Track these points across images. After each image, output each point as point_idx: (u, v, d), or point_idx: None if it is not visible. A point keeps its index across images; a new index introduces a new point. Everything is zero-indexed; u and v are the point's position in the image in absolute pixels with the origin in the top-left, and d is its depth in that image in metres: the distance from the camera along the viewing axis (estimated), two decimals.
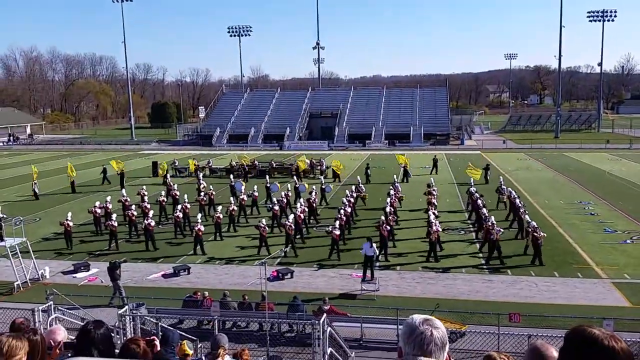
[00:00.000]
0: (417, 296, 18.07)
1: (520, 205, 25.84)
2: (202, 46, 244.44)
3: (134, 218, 25.80)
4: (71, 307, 15.14)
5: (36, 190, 36.13)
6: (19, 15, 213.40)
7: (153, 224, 24.54)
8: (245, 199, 29.33)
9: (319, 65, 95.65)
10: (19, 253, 20.11)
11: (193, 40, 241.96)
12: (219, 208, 26.58)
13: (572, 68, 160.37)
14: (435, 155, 47.10)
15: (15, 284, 19.34)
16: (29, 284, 19.72)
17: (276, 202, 27.71)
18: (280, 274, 20.04)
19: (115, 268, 18.23)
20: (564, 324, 14.27)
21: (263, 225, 22.98)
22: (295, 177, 38.16)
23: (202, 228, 23.48)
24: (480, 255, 22.39)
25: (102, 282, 19.80)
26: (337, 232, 22.24)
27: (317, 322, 11.98)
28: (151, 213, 25.78)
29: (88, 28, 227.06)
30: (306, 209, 26.87)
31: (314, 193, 29.69)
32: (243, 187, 32.85)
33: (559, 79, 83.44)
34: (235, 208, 27.47)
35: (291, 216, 24.28)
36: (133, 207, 26.92)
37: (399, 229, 26.22)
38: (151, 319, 12.90)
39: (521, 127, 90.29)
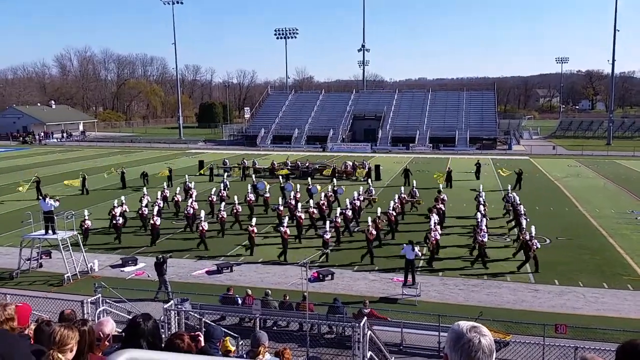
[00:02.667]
0: (460, 303, 17.78)
1: (522, 212, 25.76)
2: (249, 48, 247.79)
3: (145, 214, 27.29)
4: (118, 300, 15.58)
5: (86, 185, 37.83)
6: (74, 17, 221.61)
7: (159, 222, 25.52)
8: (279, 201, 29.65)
9: (363, 68, 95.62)
10: (69, 246, 20.89)
11: (241, 43, 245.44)
12: (223, 205, 27.80)
13: (625, 73, 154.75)
14: (477, 160, 46.20)
15: (66, 275, 20.07)
16: (79, 277, 20.44)
17: (312, 205, 27.90)
18: (321, 275, 20.09)
19: (162, 263, 18.67)
20: (612, 337, 13.79)
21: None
22: (334, 180, 37.78)
23: (206, 226, 24.36)
24: (513, 260, 22.16)
25: (148, 276, 20.31)
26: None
27: (357, 324, 11.95)
28: (155, 211, 27.09)
29: (140, 29, 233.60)
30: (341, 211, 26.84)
31: (356, 194, 29.53)
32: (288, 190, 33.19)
33: (612, 84, 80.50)
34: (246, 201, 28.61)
35: (286, 219, 24.28)
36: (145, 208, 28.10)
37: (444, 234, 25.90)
38: (195, 315, 13.14)
39: (572, 132, 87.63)
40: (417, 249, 19.79)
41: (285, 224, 23.30)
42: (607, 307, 17.32)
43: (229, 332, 11.76)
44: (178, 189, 32.83)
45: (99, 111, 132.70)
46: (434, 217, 24.01)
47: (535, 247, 20.73)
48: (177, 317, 12.40)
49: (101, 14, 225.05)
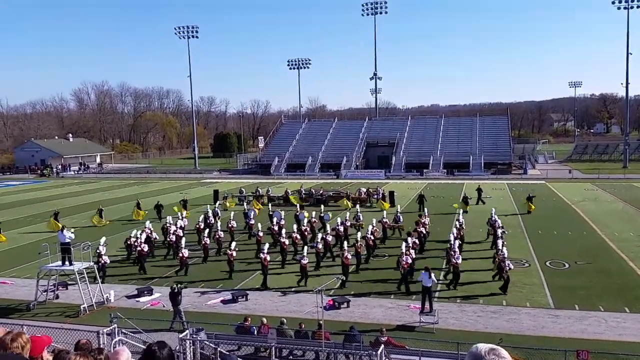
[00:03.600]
0: (479, 330, 17.47)
1: (499, 235, 26.22)
2: (262, 79, 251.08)
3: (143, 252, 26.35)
4: (134, 330, 15.54)
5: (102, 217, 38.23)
6: (91, 52, 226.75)
7: (146, 249, 26.37)
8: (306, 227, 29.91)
9: (376, 96, 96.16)
10: (86, 277, 20.98)
11: (254, 74, 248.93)
12: (206, 232, 28.21)
13: None
14: (479, 186, 46.24)
15: (82, 306, 20.10)
16: (95, 307, 20.44)
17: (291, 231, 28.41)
18: (336, 303, 19.91)
19: (177, 293, 18.67)
20: None
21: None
22: (322, 206, 38.09)
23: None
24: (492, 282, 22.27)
25: (164, 306, 20.27)
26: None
27: (374, 353, 11.81)
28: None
29: (156, 63, 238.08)
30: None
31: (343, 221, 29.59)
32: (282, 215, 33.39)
33: (627, 107, 80.00)
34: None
35: (266, 246, 24.44)
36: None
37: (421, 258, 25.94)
38: (210, 344, 13.06)
39: (587, 156, 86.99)
40: (433, 275, 19.57)
41: (265, 250, 23.59)
42: (629, 332, 16.91)
43: None
44: (169, 218, 32.67)
45: (116, 143, 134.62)
46: (409, 241, 24.39)
47: (507, 268, 21.12)
48: (192, 347, 12.35)
49: (118, 49, 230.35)
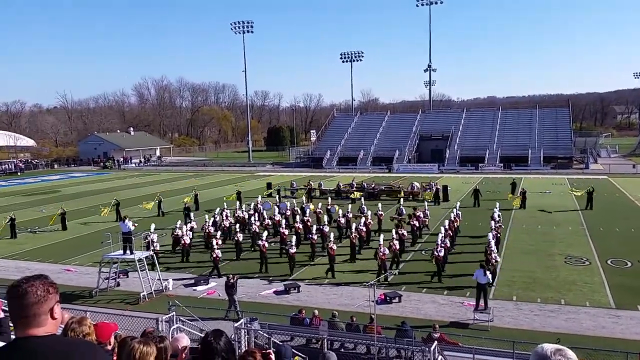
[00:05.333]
0: (536, 329, 17.03)
1: (492, 227, 26.27)
2: (315, 72, 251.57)
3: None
4: (191, 318, 16.03)
5: (162, 208, 39.45)
6: (151, 48, 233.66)
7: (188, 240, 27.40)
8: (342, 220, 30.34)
9: (430, 88, 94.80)
10: (146, 266, 21.77)
11: (307, 67, 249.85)
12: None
13: None
14: (513, 180, 44.96)
15: (142, 294, 20.90)
16: (154, 295, 21.21)
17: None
18: (388, 298, 19.86)
19: (232, 284, 19.11)
20: None
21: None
22: (329, 199, 38.38)
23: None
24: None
25: (219, 295, 20.79)
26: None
27: (427, 349, 11.73)
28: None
29: (212, 58, 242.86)
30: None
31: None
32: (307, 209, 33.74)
33: None
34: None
35: (265, 234, 25.81)
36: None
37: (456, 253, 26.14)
38: (264, 334, 13.32)
39: None
40: (488, 273, 19.23)
41: (264, 238, 24.77)
42: None
43: (297, 352, 11.86)
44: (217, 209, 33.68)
45: (175, 137, 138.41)
46: (393, 234, 25.04)
47: (494, 260, 21.42)
48: (246, 336, 12.63)
49: (176, 45, 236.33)
